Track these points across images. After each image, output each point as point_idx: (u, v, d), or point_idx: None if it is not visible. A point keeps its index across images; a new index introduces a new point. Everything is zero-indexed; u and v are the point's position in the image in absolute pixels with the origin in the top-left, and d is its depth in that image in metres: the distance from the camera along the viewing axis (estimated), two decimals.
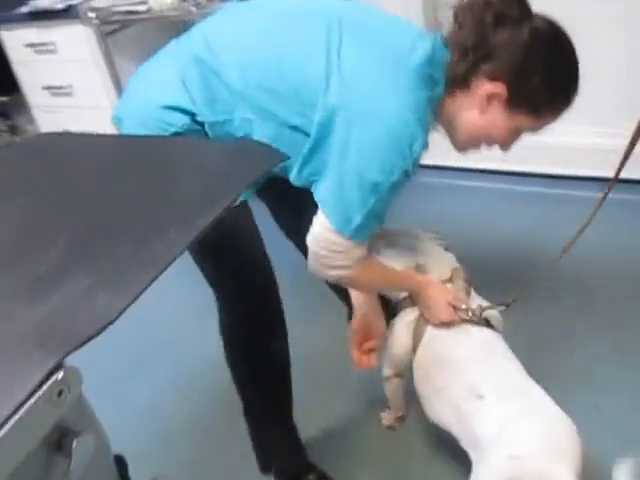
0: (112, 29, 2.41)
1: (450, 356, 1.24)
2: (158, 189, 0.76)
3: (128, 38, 2.45)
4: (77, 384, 0.52)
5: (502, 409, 1.10)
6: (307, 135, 1.05)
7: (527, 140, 1.18)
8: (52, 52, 2.58)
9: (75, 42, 2.49)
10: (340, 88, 1.01)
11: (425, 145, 1.04)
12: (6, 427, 0.47)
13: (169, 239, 0.63)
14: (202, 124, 1.09)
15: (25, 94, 2.86)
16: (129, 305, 0.55)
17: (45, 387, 0.50)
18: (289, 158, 0.83)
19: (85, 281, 0.60)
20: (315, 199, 1.08)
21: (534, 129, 1.14)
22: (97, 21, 2.35)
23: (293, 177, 1.11)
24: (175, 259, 0.61)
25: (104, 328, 0.52)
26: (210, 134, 1.10)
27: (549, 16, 1.07)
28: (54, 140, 1.06)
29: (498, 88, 1.05)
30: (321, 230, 1.08)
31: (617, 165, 1.22)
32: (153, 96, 1.12)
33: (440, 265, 1.34)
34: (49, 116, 2.85)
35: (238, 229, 1.18)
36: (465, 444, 1.15)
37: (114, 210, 0.72)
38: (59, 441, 0.55)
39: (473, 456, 1.11)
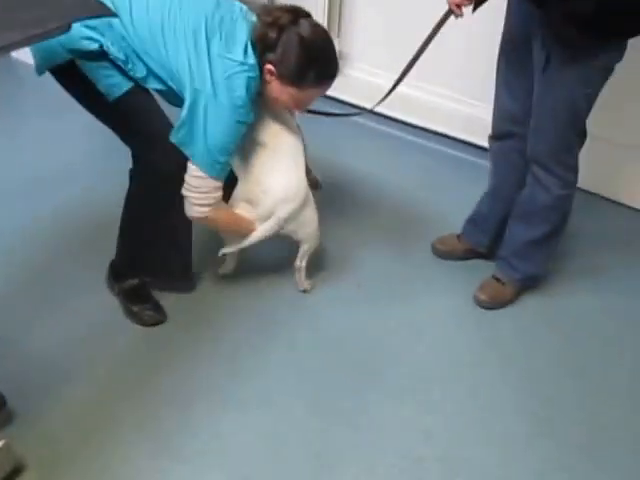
0: None
1: None
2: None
3: None
4: None
5: None
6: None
7: None
8: None
9: None
10: (199, 76, 1.61)
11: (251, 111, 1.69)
12: None
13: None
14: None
15: None
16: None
17: None
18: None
19: None
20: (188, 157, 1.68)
21: (307, 97, 1.78)
22: None
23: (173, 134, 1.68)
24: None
25: None
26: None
27: (317, 22, 1.72)
28: None
29: (271, 67, 1.68)
30: (192, 178, 1.70)
31: None
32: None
33: None
34: None
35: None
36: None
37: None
38: None
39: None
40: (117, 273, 2.08)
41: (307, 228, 1.98)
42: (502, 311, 2.21)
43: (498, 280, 2.23)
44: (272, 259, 2.30)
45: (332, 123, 2.23)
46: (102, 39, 1.61)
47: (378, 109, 2.11)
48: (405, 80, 2.02)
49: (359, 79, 3.25)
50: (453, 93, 3.04)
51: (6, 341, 1.92)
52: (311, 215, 1.97)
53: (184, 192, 1.73)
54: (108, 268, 2.10)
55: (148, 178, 1.81)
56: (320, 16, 3.03)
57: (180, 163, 1.71)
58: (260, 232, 1.89)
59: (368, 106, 2.14)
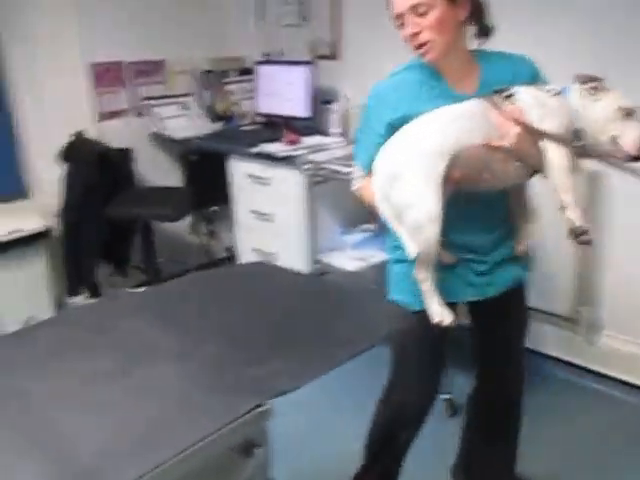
0: (319, 180, 3.07)
1: None
2: (331, 317, 1.25)
3: (329, 190, 3.10)
4: (270, 416, 0.98)
5: None
6: None
7: None
8: (266, 185, 3.32)
9: (287, 182, 3.19)
10: None
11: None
12: (232, 425, 0.94)
13: (334, 354, 1.10)
14: None
15: (234, 210, 3.62)
16: (307, 382, 1.01)
17: (255, 411, 0.96)
18: None
19: (278, 364, 1.07)
20: None
21: None
22: (310, 171, 3.03)
23: None
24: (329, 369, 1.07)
25: (292, 390, 0.98)
26: None
27: None
28: (261, 268, 1.61)
29: None
30: None
31: None
32: None
33: None
34: (247, 234, 3.57)
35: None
36: None
37: (302, 326, 1.21)
38: (246, 448, 1.00)
39: None
40: None
41: (405, 206, 1.57)
42: None
43: None
44: None
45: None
46: None
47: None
48: None
49: (613, 348, 2.93)
50: None
51: None
52: (407, 188, 1.57)
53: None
54: None
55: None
56: (569, 284, 2.85)
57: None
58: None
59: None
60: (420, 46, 1.58)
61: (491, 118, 1.56)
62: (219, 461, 0.96)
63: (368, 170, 1.73)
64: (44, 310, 3.60)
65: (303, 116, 3.60)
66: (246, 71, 4.15)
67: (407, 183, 1.56)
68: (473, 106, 1.58)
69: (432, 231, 1.53)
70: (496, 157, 1.56)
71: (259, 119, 4.02)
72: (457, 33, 1.61)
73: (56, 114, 3.60)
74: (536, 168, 1.59)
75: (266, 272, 1.59)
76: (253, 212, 3.47)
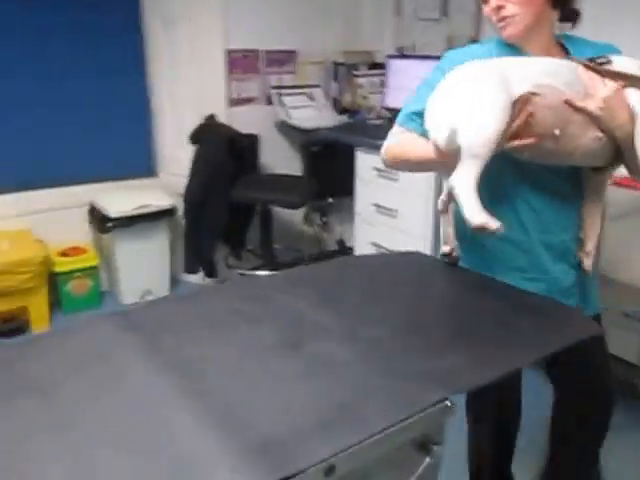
0: None
1: None
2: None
3: None
4: (452, 413, 0.90)
5: None
6: None
7: None
8: (393, 180, 3.24)
9: (415, 179, 3.11)
10: None
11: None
12: (417, 417, 0.87)
13: (516, 355, 1.01)
14: None
15: (355, 203, 3.57)
16: (488, 380, 0.93)
17: (440, 405, 0.88)
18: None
19: (458, 358, 0.99)
20: None
21: None
22: None
23: None
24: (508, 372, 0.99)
25: (473, 387, 0.90)
26: None
27: None
28: (420, 258, 1.54)
29: None
30: None
31: None
32: None
33: None
34: (366, 227, 3.51)
35: None
36: None
37: (481, 321, 1.12)
38: (423, 444, 0.93)
39: None
40: None
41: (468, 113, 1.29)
42: None
43: None
44: None
45: None
46: None
47: None
48: None
49: None
50: None
51: None
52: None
53: None
54: None
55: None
56: None
57: None
58: None
59: None
60: (503, 19, 1.44)
61: (581, 75, 1.36)
62: (396, 453, 0.89)
63: (408, 122, 1.61)
64: (161, 285, 3.70)
65: None
66: (376, 65, 4.10)
67: (478, 97, 1.29)
68: (561, 60, 1.40)
69: (497, 125, 1.25)
70: (575, 119, 1.34)
71: (385, 114, 3.96)
72: (544, 11, 1.44)
73: (190, 97, 3.68)
74: (620, 142, 1.36)
75: (428, 263, 1.52)
76: (376, 205, 3.40)
